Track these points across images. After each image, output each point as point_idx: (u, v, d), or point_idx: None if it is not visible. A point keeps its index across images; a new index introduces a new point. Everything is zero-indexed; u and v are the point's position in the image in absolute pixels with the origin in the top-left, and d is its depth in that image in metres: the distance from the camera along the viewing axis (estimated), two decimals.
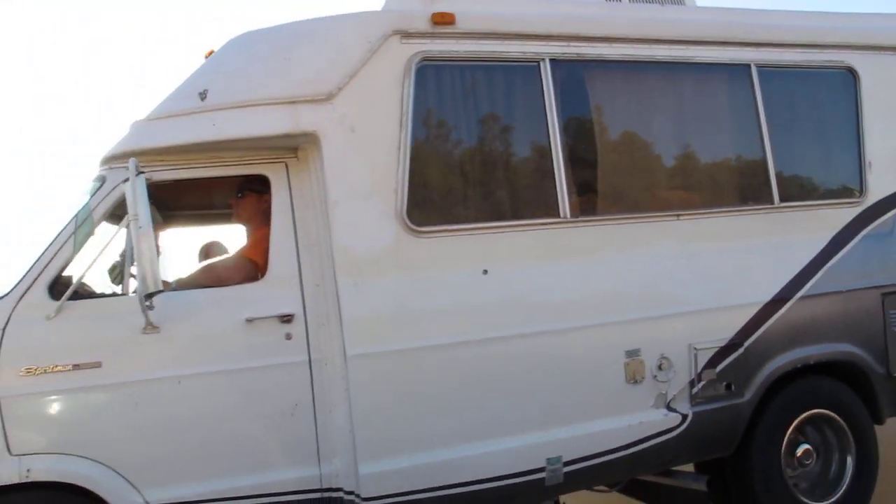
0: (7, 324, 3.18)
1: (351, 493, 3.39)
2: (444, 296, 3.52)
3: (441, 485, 3.43)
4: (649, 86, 4.02)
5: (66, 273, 3.34)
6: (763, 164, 4.13)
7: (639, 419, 3.75)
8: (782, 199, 4.13)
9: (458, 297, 3.54)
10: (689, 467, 4.25)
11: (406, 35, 3.59)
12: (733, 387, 3.91)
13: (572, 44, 3.83)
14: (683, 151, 4.07)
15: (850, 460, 4.20)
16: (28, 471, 3.12)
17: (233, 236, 4.99)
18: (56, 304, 3.22)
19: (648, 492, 4.24)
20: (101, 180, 3.47)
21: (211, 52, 3.75)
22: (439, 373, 3.46)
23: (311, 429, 3.42)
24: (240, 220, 3.93)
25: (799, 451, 4.16)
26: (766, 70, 4.18)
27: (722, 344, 3.89)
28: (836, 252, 4.17)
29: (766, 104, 4.15)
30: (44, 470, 3.14)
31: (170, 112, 3.51)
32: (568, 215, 3.71)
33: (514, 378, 3.56)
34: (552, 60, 3.78)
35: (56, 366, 3.19)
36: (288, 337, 3.42)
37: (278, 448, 3.40)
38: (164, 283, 3.30)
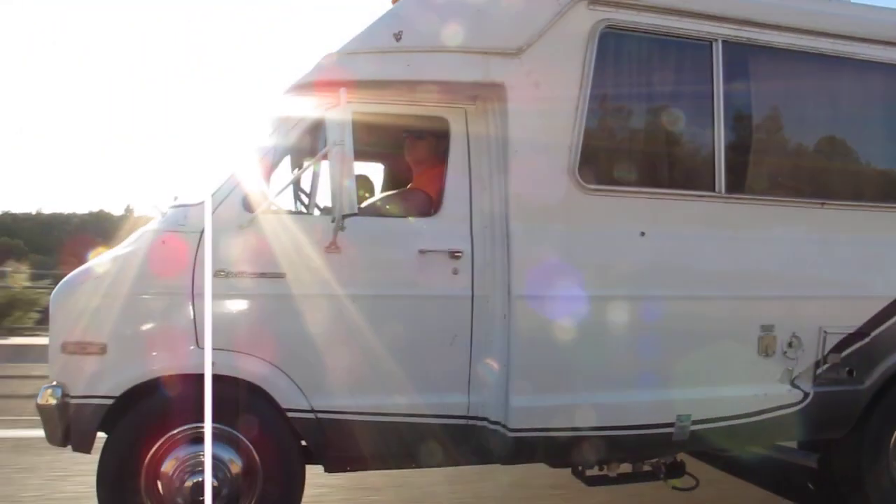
0: (204, 227, 3.44)
1: (496, 422, 3.64)
2: (604, 251, 3.73)
3: (581, 426, 3.66)
4: (809, 76, 4.16)
5: (255, 189, 3.58)
6: None
7: (765, 391, 3.95)
8: None
9: (615, 255, 3.75)
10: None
11: (593, 1, 3.76)
12: (855, 373, 4.09)
13: (745, 28, 3.98)
14: (833, 144, 4.21)
15: None
16: (213, 364, 3.40)
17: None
18: (250, 215, 3.47)
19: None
20: (294, 106, 3.68)
21: None
22: (592, 322, 3.68)
23: (466, 360, 3.66)
24: (413, 158, 4.14)
25: None
26: None
27: (850, 331, 4.07)
28: None
29: None
30: (225, 365, 3.42)
31: (364, 48, 3.71)
32: (723, 190, 3.90)
33: (657, 336, 3.77)
34: (724, 42, 3.93)
35: (245, 272, 3.46)
36: (455, 272, 3.65)
37: (434, 373, 3.65)
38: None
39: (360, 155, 4.86)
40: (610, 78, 3.82)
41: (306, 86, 3.69)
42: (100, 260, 3.53)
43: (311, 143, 3.67)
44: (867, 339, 4.10)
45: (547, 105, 3.70)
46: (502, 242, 3.64)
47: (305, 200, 3.95)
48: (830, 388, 4.07)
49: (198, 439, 3.43)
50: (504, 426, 3.61)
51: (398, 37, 3.68)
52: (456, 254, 3.65)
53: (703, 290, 3.85)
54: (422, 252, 3.62)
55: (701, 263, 3.87)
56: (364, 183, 4.62)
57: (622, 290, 3.73)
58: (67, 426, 3.39)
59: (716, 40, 3.92)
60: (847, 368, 4.08)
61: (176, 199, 3.89)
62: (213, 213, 3.47)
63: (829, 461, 4.29)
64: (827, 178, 4.19)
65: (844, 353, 4.07)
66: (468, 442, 3.69)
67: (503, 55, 3.66)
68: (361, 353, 3.57)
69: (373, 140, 4.59)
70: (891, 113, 4.28)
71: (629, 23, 3.81)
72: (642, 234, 3.77)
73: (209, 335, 3.35)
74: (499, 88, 3.66)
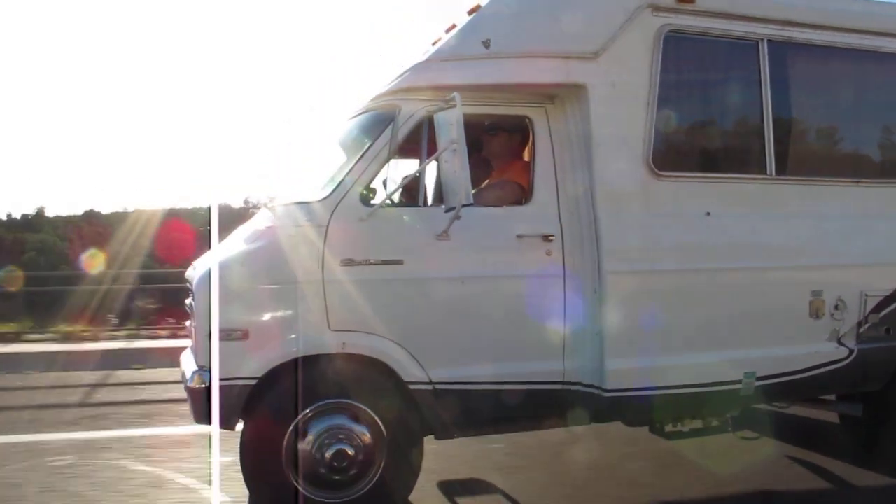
0: (329, 222, 3.84)
1: (590, 385, 4.09)
2: (676, 230, 4.21)
3: (668, 384, 4.13)
4: (841, 69, 4.69)
5: (372, 185, 3.99)
6: None
7: (816, 349, 4.46)
8: None
9: (686, 232, 4.23)
10: None
11: (657, 8, 4.24)
12: (891, 331, 4.62)
13: (786, 28, 4.49)
14: (867, 130, 4.76)
15: None
16: (343, 344, 3.81)
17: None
18: (368, 209, 3.88)
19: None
20: (397, 109, 4.08)
21: (476, 8, 4.37)
22: (671, 291, 4.16)
23: (561, 330, 4.10)
24: (491, 152, 4.56)
25: None
26: None
27: (887, 294, 4.60)
28: None
29: None
30: (355, 345, 3.82)
31: (457, 55, 4.14)
32: (773, 173, 4.41)
33: (725, 302, 4.27)
34: (769, 41, 4.44)
35: (368, 260, 3.86)
36: (548, 253, 4.09)
37: (533, 344, 4.08)
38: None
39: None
40: (673, 76, 4.30)
41: (406, 90, 4.09)
42: (233, 254, 3.89)
43: (415, 141, 4.06)
44: None
45: (622, 102, 4.16)
46: (589, 225, 4.09)
47: (394, 194, 4.29)
48: (871, 345, 4.60)
49: (333, 412, 3.84)
50: (599, 388, 4.06)
51: (487, 44, 4.11)
52: (549, 237, 4.09)
53: (760, 262, 4.35)
54: (519, 237, 4.06)
55: (757, 238, 4.37)
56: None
57: (693, 263, 4.21)
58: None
59: (762, 40, 4.43)
60: (885, 327, 4.61)
61: (274, 198, 4.28)
62: (336, 207, 3.86)
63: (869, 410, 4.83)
64: (861, 159, 4.72)
65: (882, 314, 4.60)
66: (563, 405, 4.13)
67: (582, 58, 4.11)
68: (471, 328, 4.00)
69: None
70: None
71: (687, 26, 4.29)
72: (707, 213, 4.25)
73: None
74: (579, 89, 4.11)
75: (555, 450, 5.35)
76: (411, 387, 3.90)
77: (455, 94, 3.73)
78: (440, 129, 3.76)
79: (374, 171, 3.98)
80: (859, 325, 4.58)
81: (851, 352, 4.55)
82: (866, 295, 4.56)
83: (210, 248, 4.31)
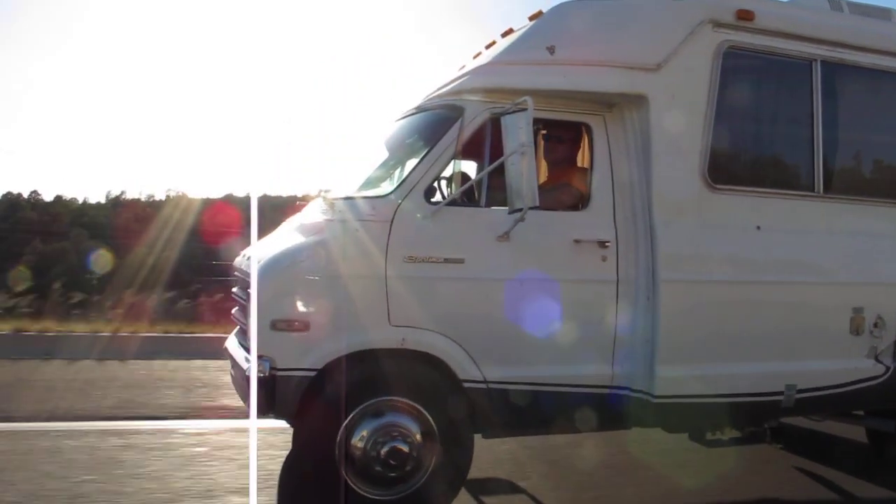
0: (394, 218, 3.87)
1: (639, 391, 4.16)
2: (728, 242, 4.30)
3: (713, 393, 4.21)
4: (890, 91, 4.80)
5: (435, 184, 4.03)
6: None
7: (854, 365, 4.56)
8: None
9: (737, 245, 4.32)
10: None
11: (717, 24, 4.33)
12: None
13: (838, 49, 4.59)
14: None
15: None
16: (403, 339, 3.84)
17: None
18: (433, 207, 3.92)
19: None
20: (459, 110, 4.12)
21: (538, 14, 4.43)
22: (721, 302, 4.24)
23: (611, 336, 4.17)
24: (552, 158, 4.61)
25: None
26: None
27: None
28: None
29: None
30: (415, 341, 3.86)
31: (521, 60, 4.20)
32: (821, 191, 4.50)
33: (770, 315, 4.36)
34: (822, 61, 4.53)
35: (431, 257, 3.90)
36: (603, 259, 4.15)
37: (585, 347, 4.14)
38: None
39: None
40: (731, 91, 4.39)
41: (471, 90, 4.14)
42: (296, 246, 3.92)
43: (478, 143, 4.11)
44: None
45: (681, 114, 4.24)
46: (645, 233, 4.16)
47: (460, 193, 4.34)
48: None
49: (389, 409, 3.86)
50: (648, 394, 4.12)
51: (552, 50, 4.17)
52: (605, 243, 4.15)
53: (805, 277, 4.45)
54: (576, 241, 4.11)
55: (803, 254, 4.47)
56: (465, 179, 5.03)
57: (744, 275, 4.30)
58: (273, 395, 3.77)
59: (815, 60, 4.52)
60: None
61: (329, 190, 4.30)
62: (401, 204, 3.90)
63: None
64: None
65: None
66: (610, 409, 4.19)
67: (645, 69, 4.19)
68: (526, 329, 4.04)
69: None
70: None
71: (746, 44, 4.39)
72: (758, 227, 4.34)
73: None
74: (641, 99, 4.18)
75: (567, 451, 5.42)
76: (466, 385, 3.94)
77: (527, 97, 3.79)
78: (508, 131, 3.81)
79: (437, 170, 4.02)
80: None
81: (888, 369, 4.65)
82: None
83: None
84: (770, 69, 4.51)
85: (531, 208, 3.78)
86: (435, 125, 4.21)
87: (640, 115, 4.22)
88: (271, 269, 3.85)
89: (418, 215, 3.92)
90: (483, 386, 3.96)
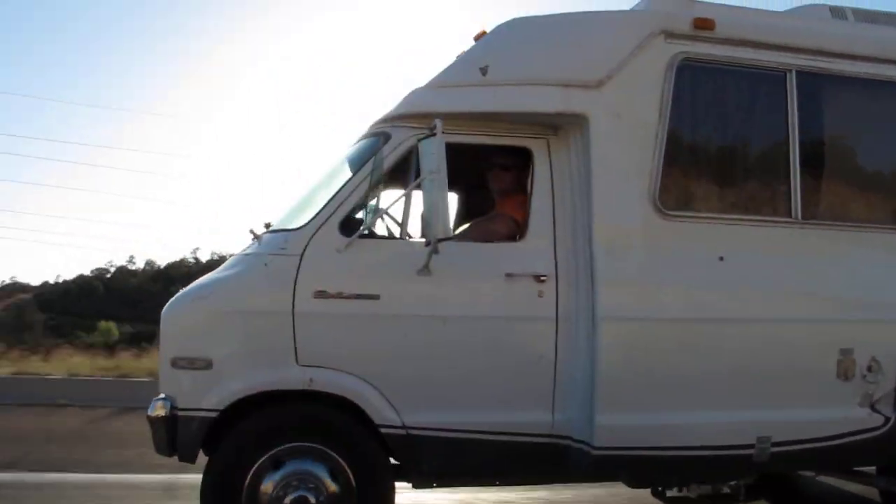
0: (304, 251, 3.65)
1: (581, 441, 3.74)
2: (684, 275, 3.84)
3: (667, 445, 3.75)
4: (883, 103, 4.25)
5: (354, 215, 3.78)
6: None
7: (844, 414, 3.98)
8: None
9: (695, 278, 3.85)
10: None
11: (670, 35, 3.93)
12: None
13: (818, 58, 4.10)
14: None
15: None
16: (311, 380, 3.59)
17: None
18: (347, 239, 3.67)
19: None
20: (386, 136, 3.89)
21: (482, 34, 4.16)
22: (673, 343, 3.78)
23: (550, 379, 3.78)
24: (499, 187, 4.26)
25: None
26: None
27: None
28: None
29: None
30: (323, 381, 3.60)
31: (453, 82, 3.93)
32: (799, 217, 3.99)
33: (738, 357, 3.86)
34: (798, 72, 4.05)
35: (342, 293, 3.64)
36: (540, 294, 3.79)
37: (520, 392, 3.77)
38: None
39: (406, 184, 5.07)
40: (688, 108, 3.97)
41: (398, 117, 3.91)
42: (205, 281, 3.76)
43: (403, 171, 3.85)
44: None
45: (628, 134, 3.85)
46: (586, 266, 3.78)
47: (394, 226, 4.13)
48: None
49: (300, 455, 3.60)
50: (588, 444, 3.71)
51: (484, 71, 3.89)
52: (541, 277, 3.79)
53: (781, 313, 3.93)
54: (508, 275, 3.77)
55: (779, 287, 3.95)
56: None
57: (702, 312, 3.83)
58: (174, 437, 3.58)
59: (790, 70, 4.05)
60: None
61: (269, 225, 4.11)
62: (313, 237, 3.67)
63: None
64: None
65: None
66: (552, 460, 3.79)
67: (584, 87, 3.84)
68: (451, 371, 3.73)
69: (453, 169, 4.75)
70: None
71: (705, 55, 3.97)
72: (721, 258, 3.87)
73: None
74: (580, 119, 3.83)
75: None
76: (383, 430, 3.65)
77: (437, 120, 3.53)
78: (422, 157, 3.56)
79: (355, 200, 3.78)
80: None
81: (888, 420, 4.05)
82: None
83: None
84: (735, 82, 4.05)
85: (442, 240, 3.50)
86: (361, 153, 3.98)
87: (583, 136, 3.86)
88: (174, 306, 3.71)
89: (331, 248, 3.68)
90: (402, 432, 3.66)
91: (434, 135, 3.53)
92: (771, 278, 3.95)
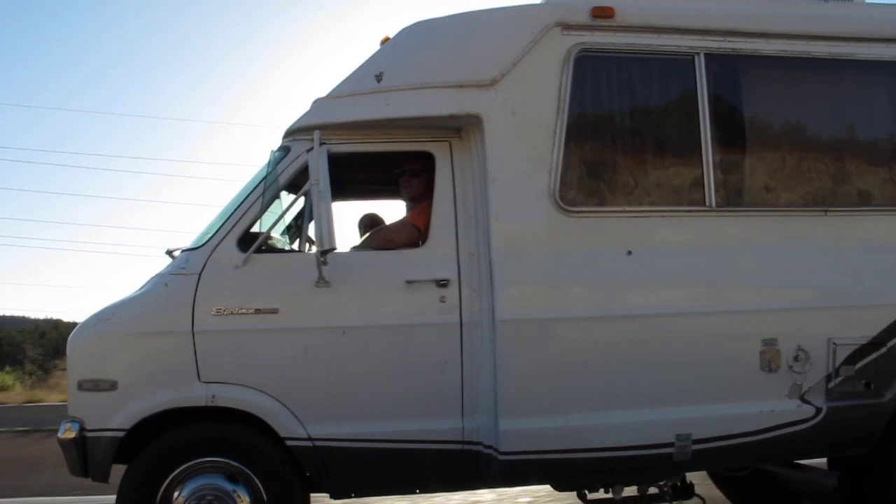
0: (203, 270, 3.68)
1: (490, 447, 3.69)
2: (589, 272, 3.74)
3: (574, 447, 3.66)
4: (804, 82, 4.07)
5: (253, 230, 3.80)
6: None
7: (771, 407, 3.83)
8: None
9: (601, 275, 3.75)
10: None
11: (567, 27, 3.83)
12: (873, 385, 3.91)
13: (729, 39, 3.94)
14: (837, 149, 4.07)
15: None
16: (213, 397, 3.62)
17: (388, 210, 5.40)
18: (243, 255, 3.69)
19: (771, 482, 4.30)
20: (286, 150, 3.90)
21: (387, 39, 4.12)
22: (580, 343, 3.70)
23: (458, 385, 3.73)
24: (408, 195, 4.25)
25: None
26: None
27: (863, 342, 3.90)
28: None
29: None
30: (226, 397, 3.62)
31: (349, 91, 3.91)
32: (714, 205, 3.85)
33: (650, 354, 3.74)
34: (707, 55, 3.91)
35: (241, 309, 3.66)
36: (442, 300, 3.74)
37: (427, 400, 3.73)
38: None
39: (367, 193, 5.09)
40: (589, 100, 3.87)
41: (298, 130, 3.91)
42: (111, 304, 3.82)
43: (300, 184, 3.85)
44: (884, 350, 3.91)
45: (524, 132, 3.77)
46: (487, 269, 3.71)
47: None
48: (846, 403, 3.90)
49: (210, 471, 3.64)
50: (495, 449, 3.65)
51: (379, 78, 3.86)
52: (442, 282, 3.74)
53: (697, 307, 3.79)
54: (409, 282, 3.74)
55: (694, 279, 3.82)
56: (373, 220, 4.75)
57: (610, 310, 3.73)
58: (86, 458, 3.66)
59: (697, 54, 3.91)
60: (864, 381, 3.91)
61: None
62: (211, 254, 3.70)
63: (853, 481, 4.09)
64: (830, 184, 4.04)
65: (859, 365, 3.90)
66: (466, 467, 3.74)
67: (478, 87, 3.77)
68: (355, 382, 3.71)
69: (376, 178, 4.75)
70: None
71: (605, 44, 3.86)
72: (629, 252, 3.76)
73: None
74: (476, 119, 3.76)
75: None
76: (289, 443, 3.66)
77: (316, 131, 3.53)
78: (310, 170, 3.56)
79: (252, 216, 3.79)
80: (828, 378, 3.90)
81: (819, 410, 3.87)
82: (835, 343, 3.88)
83: None
84: (640, 70, 3.92)
85: (327, 251, 3.49)
86: (266, 167, 3.99)
87: (480, 136, 3.80)
88: (79, 330, 3.78)
89: (229, 265, 3.71)
90: (308, 444, 3.66)
91: (322, 146, 3.54)
92: (684, 270, 3.82)
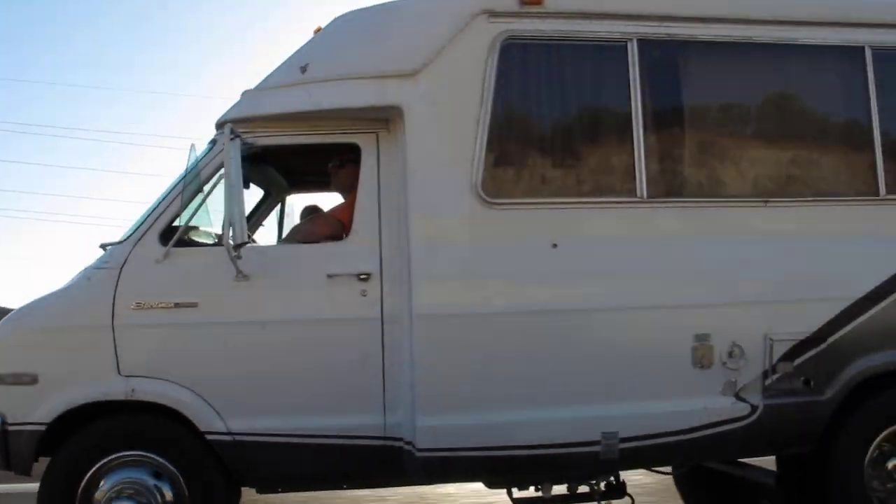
0: (124, 264, 3.68)
1: (410, 443, 3.63)
2: (512, 266, 3.65)
3: (495, 445, 3.58)
4: (745, 68, 3.92)
5: (176, 223, 3.78)
6: (870, 153, 3.91)
7: (703, 405, 3.71)
8: (889, 191, 3.90)
9: (524, 269, 3.66)
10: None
11: (494, 14, 3.73)
12: (812, 383, 3.77)
13: (664, 24, 3.81)
14: (776, 136, 3.91)
15: None
16: (133, 390, 3.62)
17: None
18: (164, 249, 3.67)
19: (715, 480, 4.18)
20: (213, 143, 3.88)
21: (319, 29, 4.06)
22: (501, 338, 3.61)
23: (379, 380, 3.68)
24: (337, 187, 4.22)
25: (890, 465, 3.92)
26: (884, 53, 3.94)
27: (801, 337, 3.75)
28: None
29: (879, 89, 3.92)
30: (145, 391, 3.62)
31: (274, 84, 3.87)
32: (645, 195, 3.73)
33: (575, 351, 3.64)
34: (640, 40, 3.78)
35: (160, 303, 3.65)
36: (363, 294, 3.69)
37: (349, 395, 3.68)
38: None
39: (307, 186, 5.05)
40: (516, 89, 3.77)
41: (223, 123, 3.87)
42: (35, 299, 3.84)
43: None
44: (824, 346, 3.77)
45: (447, 123, 3.69)
46: (407, 262, 3.65)
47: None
48: (784, 400, 3.76)
49: (132, 465, 3.64)
50: (413, 446, 3.59)
51: (304, 69, 3.81)
52: (364, 276, 3.69)
53: (624, 301, 3.68)
54: (330, 276, 3.69)
55: (622, 273, 3.71)
56: (313, 212, 4.71)
57: (533, 305, 3.64)
58: (7, 451, 3.67)
59: (630, 40, 3.78)
60: (802, 378, 3.77)
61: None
62: (133, 249, 3.69)
63: (794, 480, 3.96)
64: (771, 173, 3.90)
65: (798, 362, 3.76)
66: (388, 463, 3.69)
67: (399, 77, 3.70)
68: (275, 376, 3.68)
69: (314, 170, 4.69)
70: (842, 98, 3.96)
71: (533, 31, 3.75)
72: (555, 245, 3.66)
73: None
74: (397, 110, 3.69)
75: None
76: (209, 437, 3.64)
77: (227, 125, 3.50)
78: (225, 163, 3.53)
79: (176, 208, 3.77)
80: (765, 375, 3.76)
81: (755, 408, 3.74)
82: (772, 339, 3.74)
83: None
84: (569, 57, 3.80)
85: (239, 245, 3.46)
86: (195, 160, 3.97)
87: (402, 127, 3.73)
88: (2, 324, 3.80)
89: (150, 259, 3.69)
90: (228, 438, 3.64)
91: (234, 139, 3.51)
92: (612, 264, 3.71)
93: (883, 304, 3.81)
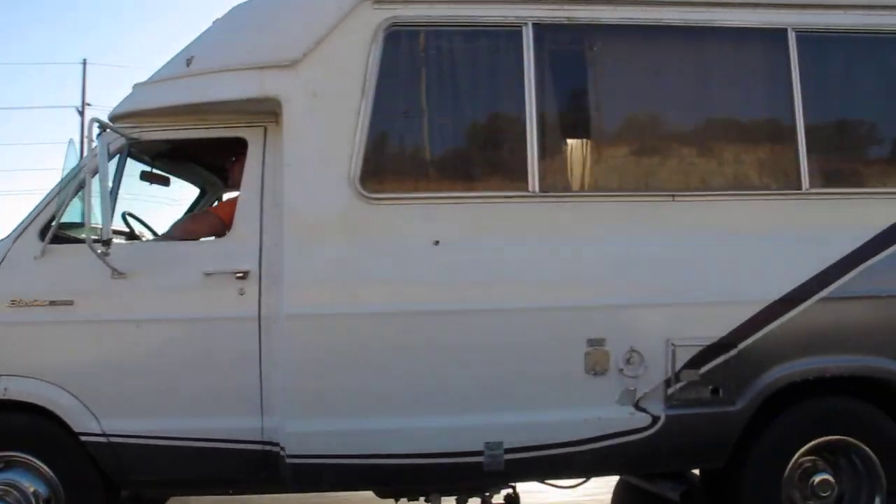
0: (2, 260, 3.62)
1: (282, 448, 3.46)
2: (390, 264, 3.46)
3: (369, 453, 3.39)
4: (656, 53, 3.65)
5: (56, 220, 3.71)
6: (792, 144, 3.60)
7: (597, 414, 3.44)
8: (813, 185, 3.58)
9: (403, 267, 3.47)
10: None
11: (378, 1, 3.56)
12: (721, 392, 3.47)
13: (563, 6, 3.58)
14: (689, 127, 3.65)
15: (878, 500, 3.56)
16: (6, 389, 3.54)
17: None
18: (41, 245, 3.59)
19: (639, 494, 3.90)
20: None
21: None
22: (376, 341, 3.42)
23: (257, 383, 3.53)
24: (232, 183, 4.10)
25: (816, 480, 3.59)
26: (808, 35, 3.63)
27: (708, 343, 3.46)
28: (880, 250, 3.53)
29: (803, 75, 3.61)
30: (18, 390, 3.54)
31: (161, 77, 3.79)
32: (536, 189, 3.49)
33: (456, 355, 3.43)
34: (536, 25, 3.56)
35: (36, 300, 3.57)
36: (241, 292, 3.55)
37: (226, 397, 3.54)
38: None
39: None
40: (401, 79, 3.59)
41: (114, 118, 3.80)
42: None
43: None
44: (734, 352, 3.46)
45: (325, 115, 3.53)
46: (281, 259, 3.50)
47: (137, 229, 4.03)
48: (690, 411, 3.47)
49: (10, 467, 3.57)
50: (284, 451, 3.43)
51: (189, 62, 3.71)
52: (241, 274, 3.55)
53: (510, 303, 3.45)
54: (207, 274, 3.56)
55: (509, 272, 3.48)
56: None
57: (411, 305, 3.43)
58: None
59: (525, 24, 3.56)
60: (710, 387, 3.47)
61: None
62: (12, 245, 3.63)
63: (707, 495, 3.65)
64: (679, 165, 3.61)
65: (704, 369, 3.46)
66: (265, 468, 3.54)
67: (278, 68, 3.55)
68: (150, 376, 3.56)
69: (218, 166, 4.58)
70: (762, 85, 3.65)
71: (419, 17, 3.57)
72: (436, 242, 3.46)
73: None
74: (276, 102, 3.55)
75: None
76: (83, 438, 3.54)
77: (93, 120, 3.42)
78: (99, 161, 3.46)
79: (56, 206, 3.70)
80: (668, 383, 3.47)
81: (656, 419, 3.46)
82: (674, 344, 3.45)
83: None
84: (459, 45, 3.60)
85: (97, 241, 3.37)
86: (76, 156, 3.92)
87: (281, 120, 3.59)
88: None
89: (29, 256, 3.62)
90: (103, 440, 3.54)
91: (100, 134, 3.43)
92: (499, 262, 3.48)
93: (802, 307, 3.48)
